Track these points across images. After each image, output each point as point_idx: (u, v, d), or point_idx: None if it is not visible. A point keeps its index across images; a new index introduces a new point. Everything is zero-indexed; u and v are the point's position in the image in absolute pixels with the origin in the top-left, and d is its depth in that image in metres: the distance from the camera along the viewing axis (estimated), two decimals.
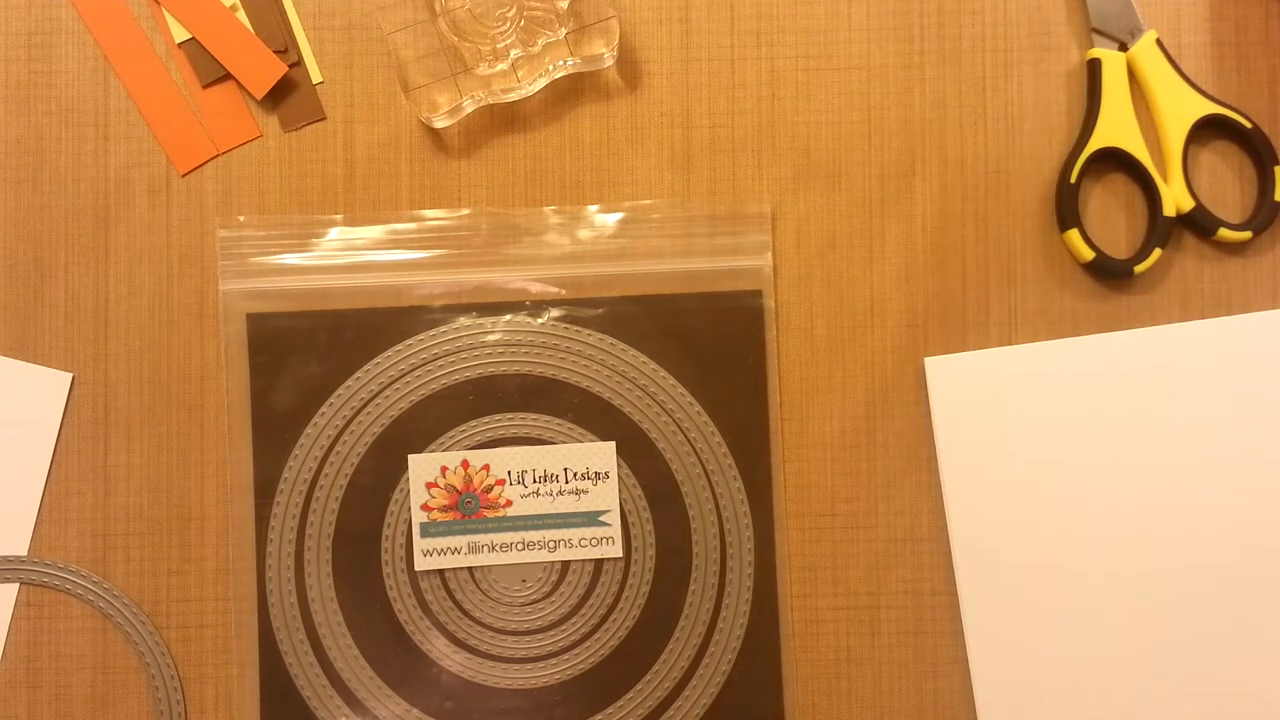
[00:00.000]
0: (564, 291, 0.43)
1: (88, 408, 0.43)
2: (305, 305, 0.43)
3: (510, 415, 0.43)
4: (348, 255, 0.43)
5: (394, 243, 0.43)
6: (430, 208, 0.44)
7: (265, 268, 0.43)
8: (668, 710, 0.42)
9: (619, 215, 0.43)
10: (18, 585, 0.43)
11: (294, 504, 0.42)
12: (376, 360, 0.43)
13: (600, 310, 0.43)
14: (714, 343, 0.43)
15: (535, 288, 0.43)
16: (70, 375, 0.43)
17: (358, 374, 0.43)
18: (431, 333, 0.43)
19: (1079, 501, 0.43)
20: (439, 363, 0.43)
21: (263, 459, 0.42)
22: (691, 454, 0.43)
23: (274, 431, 0.42)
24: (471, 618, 0.42)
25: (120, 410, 0.43)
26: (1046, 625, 0.43)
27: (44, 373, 0.43)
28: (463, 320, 0.43)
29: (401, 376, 0.43)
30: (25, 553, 0.43)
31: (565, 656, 0.43)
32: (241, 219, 0.43)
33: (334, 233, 0.43)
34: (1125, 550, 0.43)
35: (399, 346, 0.43)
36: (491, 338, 0.43)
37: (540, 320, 0.43)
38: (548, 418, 0.43)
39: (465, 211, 0.43)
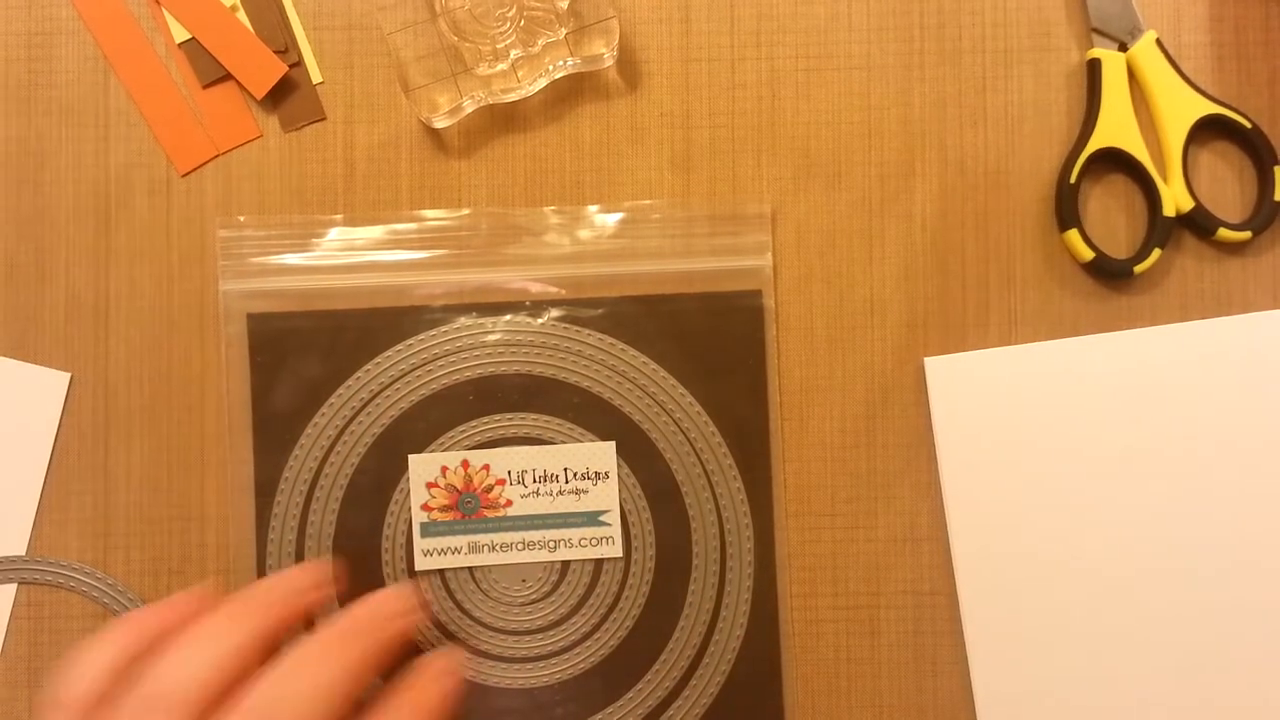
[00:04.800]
0: (564, 291, 0.43)
1: (88, 408, 0.43)
2: (306, 305, 0.43)
3: (510, 415, 0.43)
4: (348, 255, 0.43)
5: (394, 243, 0.43)
6: (430, 208, 0.44)
7: (266, 268, 0.43)
8: (668, 710, 0.42)
9: (619, 215, 0.43)
10: (16, 585, 0.43)
11: (294, 504, 0.42)
12: (377, 360, 0.43)
13: (600, 310, 0.43)
14: (714, 343, 0.43)
15: (535, 288, 0.43)
16: (69, 375, 0.43)
17: (358, 374, 0.43)
18: (432, 333, 0.43)
19: (1079, 501, 0.43)
20: (439, 363, 0.43)
21: (263, 459, 0.42)
22: (691, 454, 0.43)
23: (274, 431, 0.42)
24: (472, 617, 0.42)
25: (120, 410, 0.43)
26: (1046, 625, 0.43)
27: (41, 372, 0.43)
28: (463, 320, 0.43)
29: (402, 376, 0.43)
30: (24, 553, 0.43)
31: (565, 656, 0.43)
32: (242, 219, 0.43)
33: (334, 233, 0.43)
34: (1125, 550, 0.43)
35: (399, 346, 0.43)
36: (492, 338, 0.43)
37: (540, 320, 0.43)
38: (548, 418, 0.43)
39: (465, 211, 0.43)
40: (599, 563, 0.43)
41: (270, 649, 0.35)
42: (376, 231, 0.43)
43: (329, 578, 0.39)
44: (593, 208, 0.43)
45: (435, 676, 0.37)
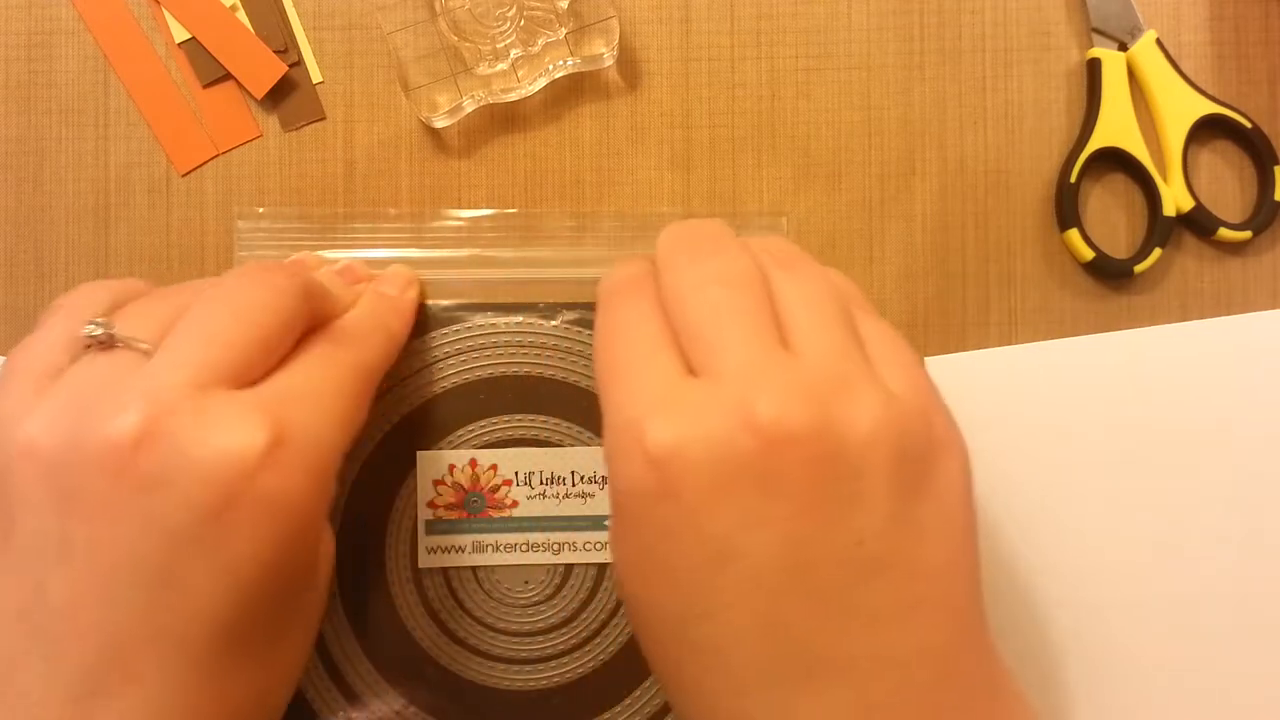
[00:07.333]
0: (577, 295, 0.43)
1: None
2: None
3: (520, 416, 0.42)
4: (364, 251, 0.43)
5: (411, 240, 0.43)
6: (431, 207, 0.43)
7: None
8: (667, 714, 0.42)
9: (633, 220, 0.43)
10: None
11: None
12: None
13: None
14: None
15: (549, 290, 0.43)
16: None
17: None
18: (444, 330, 0.43)
19: (1079, 501, 0.43)
20: (451, 361, 0.42)
21: None
22: None
23: None
24: (473, 616, 0.42)
25: None
26: (1046, 624, 0.43)
27: None
28: (476, 319, 0.43)
29: (414, 373, 0.42)
30: None
31: (566, 659, 0.43)
32: (260, 210, 0.43)
33: (353, 228, 0.43)
34: (1125, 550, 0.43)
35: (412, 343, 0.42)
36: (504, 338, 0.43)
37: (553, 322, 0.43)
38: (557, 420, 0.42)
39: (485, 211, 0.43)
40: (602, 567, 0.42)
41: None
42: (393, 228, 0.43)
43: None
44: (608, 212, 0.43)
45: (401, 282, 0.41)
